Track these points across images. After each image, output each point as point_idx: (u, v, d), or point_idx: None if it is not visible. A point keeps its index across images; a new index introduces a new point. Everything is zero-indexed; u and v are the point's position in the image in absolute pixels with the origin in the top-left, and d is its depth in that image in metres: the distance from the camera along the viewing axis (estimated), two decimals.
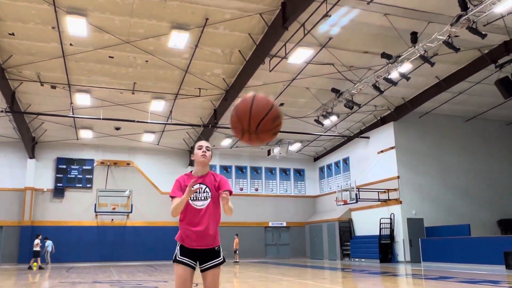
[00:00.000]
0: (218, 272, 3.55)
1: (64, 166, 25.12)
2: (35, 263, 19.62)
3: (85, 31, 13.49)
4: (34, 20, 13.25)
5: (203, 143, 3.66)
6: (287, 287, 11.15)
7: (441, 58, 15.14)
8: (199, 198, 3.52)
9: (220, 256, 3.56)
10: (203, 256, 3.51)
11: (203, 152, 3.58)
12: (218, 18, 13.33)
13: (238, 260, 23.46)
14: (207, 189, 3.55)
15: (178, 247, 3.53)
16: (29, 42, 14.47)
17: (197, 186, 3.49)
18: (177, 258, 3.49)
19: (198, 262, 3.52)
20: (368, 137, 23.54)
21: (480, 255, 16.20)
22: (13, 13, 12.87)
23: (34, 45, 14.70)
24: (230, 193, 3.50)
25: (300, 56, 15.15)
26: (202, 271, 3.54)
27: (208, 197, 3.53)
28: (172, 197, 3.49)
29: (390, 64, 14.94)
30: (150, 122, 19.99)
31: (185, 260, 3.47)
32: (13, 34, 13.95)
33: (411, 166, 21.53)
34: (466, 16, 11.89)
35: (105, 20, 13.28)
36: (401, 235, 20.72)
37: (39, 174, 24.61)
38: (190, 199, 3.49)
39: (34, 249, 19.87)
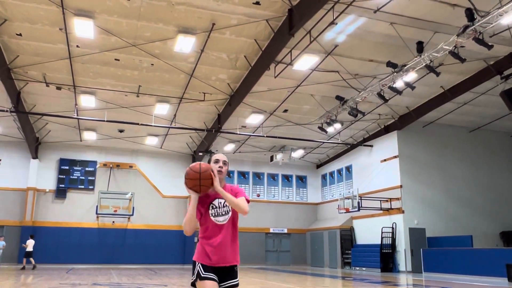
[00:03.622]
0: None
1: (67, 167, 25.16)
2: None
3: (92, 33, 13.55)
4: (41, 21, 13.33)
5: (220, 156, 3.52)
6: None
7: (447, 68, 15.15)
8: (220, 214, 3.41)
9: (237, 277, 3.47)
10: (222, 274, 3.39)
11: (219, 167, 3.45)
12: (224, 23, 13.38)
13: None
14: (227, 204, 3.43)
15: (199, 265, 3.37)
16: (36, 43, 14.55)
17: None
18: (202, 275, 3.33)
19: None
20: (371, 146, 23.50)
21: (482, 267, 16.08)
22: (21, 13, 12.95)
23: (41, 46, 14.78)
24: (248, 201, 3.44)
25: (305, 63, 15.17)
26: None
27: (229, 211, 3.44)
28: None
29: (395, 73, 14.94)
30: (154, 125, 20.00)
31: (212, 275, 3.32)
32: (20, 34, 14.03)
33: (414, 176, 21.46)
34: (473, 26, 11.89)
35: (113, 22, 13.35)
36: (402, 244, 20.61)
37: (42, 174, 24.65)
38: (211, 215, 3.39)
39: (27, 249, 20.34)
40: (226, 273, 3.41)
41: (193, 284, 3.41)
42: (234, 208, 3.37)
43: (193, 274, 3.42)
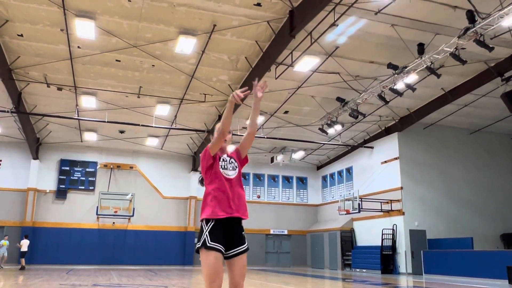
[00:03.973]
0: (245, 259, 3.42)
1: (67, 168, 25.17)
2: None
3: (93, 34, 13.57)
4: (43, 22, 13.34)
5: None
6: None
7: (447, 70, 15.14)
8: (228, 168, 3.53)
9: (245, 243, 3.45)
10: (231, 237, 3.36)
11: None
12: (225, 25, 13.39)
13: None
14: (233, 160, 3.59)
15: (206, 233, 3.31)
16: (37, 43, 14.56)
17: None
18: (208, 244, 3.26)
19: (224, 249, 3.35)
20: (372, 147, 23.49)
21: (482, 269, 16.06)
22: (22, 14, 12.96)
23: (42, 47, 14.80)
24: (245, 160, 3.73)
25: (306, 64, 15.18)
26: (229, 257, 3.36)
27: (236, 167, 3.57)
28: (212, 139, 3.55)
29: (396, 75, 14.94)
30: (155, 126, 20.03)
31: (217, 246, 3.26)
32: (21, 35, 14.05)
33: (414, 177, 21.44)
34: (474, 28, 11.90)
35: (114, 23, 13.36)
36: (403, 246, 20.60)
37: (42, 175, 24.65)
38: (221, 167, 3.48)
39: (22, 249, 20.48)
40: (233, 235, 3.37)
41: (197, 251, 3.37)
42: (253, 128, 3.62)
43: (199, 240, 3.34)
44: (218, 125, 3.57)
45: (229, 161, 3.57)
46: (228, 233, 3.35)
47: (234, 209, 3.36)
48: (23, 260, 20.29)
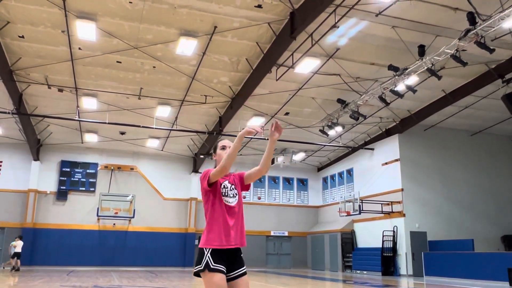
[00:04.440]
0: (248, 280, 3.42)
1: (68, 169, 25.18)
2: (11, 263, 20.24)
3: (94, 35, 13.58)
4: (44, 23, 13.36)
5: (226, 142, 3.57)
6: None
7: (448, 72, 15.14)
8: (230, 195, 3.46)
9: (244, 265, 3.46)
10: (232, 261, 3.36)
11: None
12: (226, 26, 13.40)
13: None
14: (233, 187, 3.51)
15: (208, 255, 3.27)
16: (38, 45, 14.59)
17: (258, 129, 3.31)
18: (212, 266, 3.23)
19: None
20: (372, 149, 23.49)
21: (483, 271, 16.03)
22: (23, 16, 12.98)
23: (43, 48, 14.82)
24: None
25: (307, 66, 15.19)
26: (232, 279, 3.35)
27: (236, 194, 3.49)
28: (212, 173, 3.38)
29: (396, 76, 14.94)
30: (155, 128, 20.03)
31: (221, 267, 3.25)
32: (22, 36, 14.07)
33: (415, 179, 21.43)
34: (475, 30, 11.90)
35: (115, 25, 13.38)
36: (403, 248, 20.57)
37: (43, 176, 24.66)
38: (222, 194, 3.42)
39: (15, 250, 20.42)
40: (234, 260, 3.39)
41: (196, 274, 3.31)
42: (265, 167, 3.45)
43: (199, 263, 3.28)
44: (220, 152, 3.50)
45: (230, 187, 3.49)
46: (228, 257, 3.36)
47: (232, 239, 3.35)
48: (16, 261, 20.14)
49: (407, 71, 14.49)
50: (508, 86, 15.82)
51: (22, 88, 17.67)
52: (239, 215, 3.45)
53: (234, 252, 3.40)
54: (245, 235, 3.50)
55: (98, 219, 24.87)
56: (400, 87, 15.38)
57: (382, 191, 22.30)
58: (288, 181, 29.25)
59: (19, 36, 14.06)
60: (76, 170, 25.31)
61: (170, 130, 21.02)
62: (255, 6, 12.45)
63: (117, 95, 18.33)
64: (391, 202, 21.37)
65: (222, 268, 3.26)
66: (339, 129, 19.72)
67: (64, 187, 24.90)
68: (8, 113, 17.73)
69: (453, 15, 12.61)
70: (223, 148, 3.53)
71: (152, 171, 26.74)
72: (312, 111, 20.00)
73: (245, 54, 15.15)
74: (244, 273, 3.40)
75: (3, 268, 20.72)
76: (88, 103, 18.85)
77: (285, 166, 26.83)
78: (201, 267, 3.25)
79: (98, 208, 24.41)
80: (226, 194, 3.44)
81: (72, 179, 25.12)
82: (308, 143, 23.00)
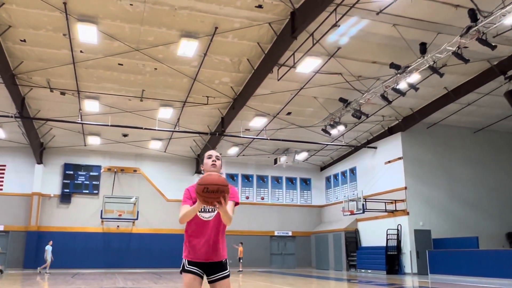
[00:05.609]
0: (228, 283, 3.53)
1: (71, 172, 25.24)
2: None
3: (96, 38, 13.62)
4: (45, 27, 13.40)
5: (212, 152, 3.63)
6: None
7: (450, 69, 15.11)
8: (207, 210, 3.46)
9: (227, 269, 3.55)
10: (211, 268, 3.49)
11: (213, 161, 3.55)
12: (227, 27, 13.41)
13: (242, 269, 23.35)
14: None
15: (185, 260, 3.51)
16: (40, 48, 14.63)
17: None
18: (185, 268, 3.47)
19: (205, 274, 3.52)
20: (375, 147, 23.45)
21: (488, 269, 15.98)
22: (25, 19, 13.03)
23: (45, 52, 14.86)
24: (236, 203, 3.46)
25: (308, 65, 15.18)
26: (210, 282, 3.52)
27: (215, 209, 3.42)
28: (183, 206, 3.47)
29: (398, 75, 14.91)
30: (158, 130, 20.06)
31: (193, 269, 3.44)
32: (24, 40, 14.12)
33: (418, 177, 21.38)
34: (476, 27, 11.87)
35: (116, 27, 13.41)
36: (408, 246, 20.53)
37: (47, 179, 24.73)
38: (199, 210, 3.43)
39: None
40: (216, 267, 3.49)
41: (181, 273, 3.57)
42: (227, 223, 3.37)
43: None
44: (207, 161, 3.56)
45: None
46: (205, 264, 3.49)
47: (202, 256, 3.45)
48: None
49: (409, 69, 14.47)
50: (510, 82, 15.79)
51: (24, 91, 17.72)
52: (213, 230, 3.45)
53: (210, 262, 3.49)
54: (223, 248, 3.54)
55: (102, 221, 24.93)
56: (402, 85, 15.35)
57: (385, 190, 22.26)
58: (291, 181, 29.24)
59: (21, 40, 14.11)
60: (80, 173, 25.38)
61: (173, 131, 21.04)
62: (256, 7, 12.46)
63: (119, 97, 18.36)
64: (395, 200, 21.32)
65: (196, 270, 3.44)
66: (341, 128, 19.69)
67: (68, 190, 24.97)
68: (11, 117, 17.80)
69: (454, 12, 12.58)
70: (209, 157, 3.58)
71: (155, 173, 26.79)
72: (314, 110, 19.98)
73: (246, 55, 15.16)
74: (225, 277, 3.51)
75: (39, 272, 21.01)
76: (91, 106, 18.90)
77: (288, 166, 26.84)
78: (180, 269, 3.54)
79: (101, 211, 24.47)
80: (203, 209, 3.46)
81: (76, 182, 25.18)
82: (310, 142, 22.98)
